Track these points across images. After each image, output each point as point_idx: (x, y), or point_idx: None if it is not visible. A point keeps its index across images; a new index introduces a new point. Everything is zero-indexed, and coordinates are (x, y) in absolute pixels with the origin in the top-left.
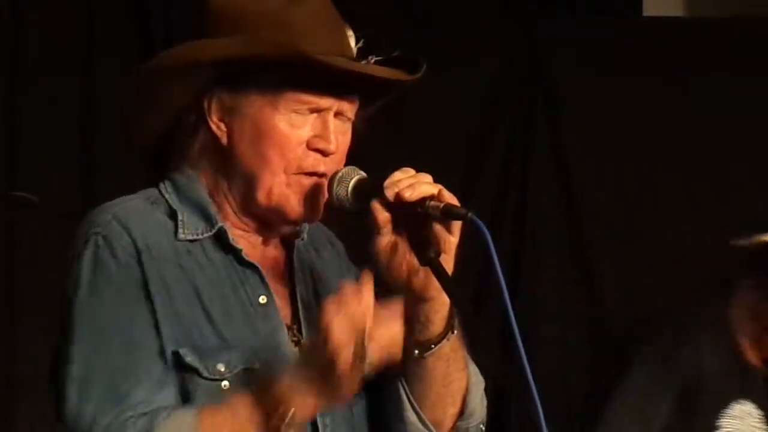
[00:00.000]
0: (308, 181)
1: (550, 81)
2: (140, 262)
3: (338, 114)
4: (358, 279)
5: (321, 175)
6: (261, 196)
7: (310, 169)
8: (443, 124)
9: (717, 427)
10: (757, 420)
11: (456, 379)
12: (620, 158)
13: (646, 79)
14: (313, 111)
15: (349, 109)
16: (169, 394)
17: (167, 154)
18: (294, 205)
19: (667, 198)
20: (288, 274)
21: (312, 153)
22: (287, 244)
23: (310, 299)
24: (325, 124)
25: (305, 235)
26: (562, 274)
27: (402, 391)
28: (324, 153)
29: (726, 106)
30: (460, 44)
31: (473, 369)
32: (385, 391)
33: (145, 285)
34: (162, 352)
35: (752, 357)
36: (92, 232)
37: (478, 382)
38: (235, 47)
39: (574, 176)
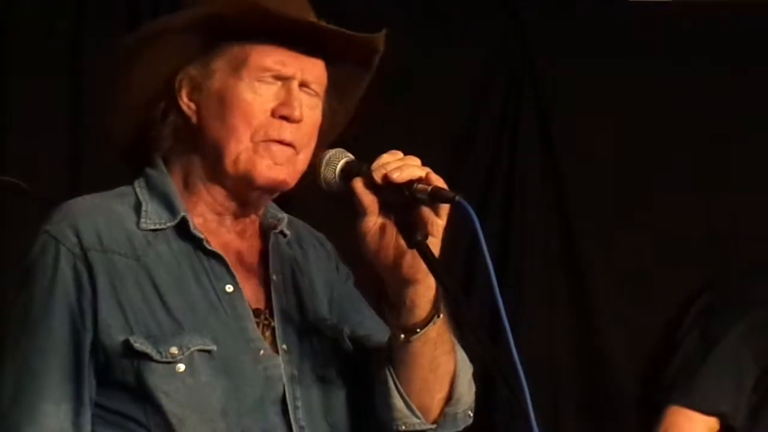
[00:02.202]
0: (277, 148)
1: (537, 67)
2: (86, 260)
3: (303, 86)
4: (348, 278)
5: (288, 144)
6: (228, 164)
7: (276, 137)
8: (431, 111)
9: None
10: None
11: (443, 363)
12: (608, 144)
13: (634, 64)
14: (276, 78)
15: (314, 80)
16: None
17: (142, 152)
18: (261, 169)
19: (654, 186)
20: (264, 261)
21: (277, 120)
22: (266, 233)
23: (286, 288)
24: (289, 92)
25: (285, 230)
26: (549, 259)
27: (389, 377)
28: (289, 119)
29: (715, 93)
30: (448, 32)
31: (461, 354)
32: (372, 377)
33: (91, 282)
34: (79, 360)
35: None
36: (44, 230)
37: (465, 367)
38: (193, 13)
39: (562, 162)
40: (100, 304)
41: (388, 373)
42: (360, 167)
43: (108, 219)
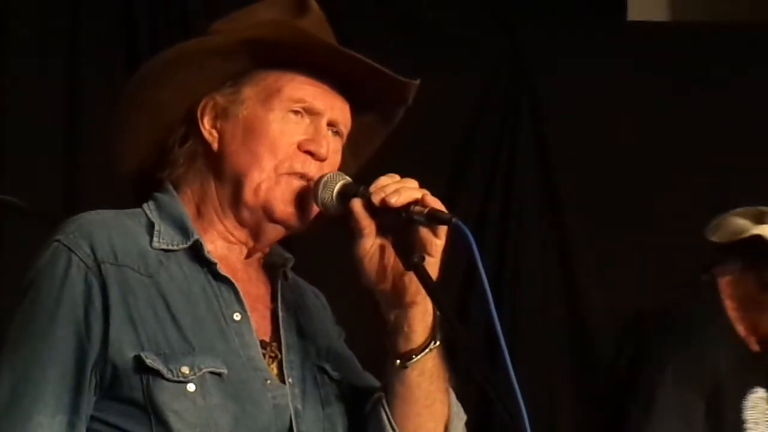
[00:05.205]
0: (298, 183)
1: (535, 86)
2: (99, 273)
3: (331, 125)
4: (340, 335)
5: (310, 180)
6: (248, 194)
7: (300, 170)
8: (429, 130)
9: (743, 421)
10: (763, 399)
11: (438, 401)
12: (605, 162)
13: (631, 83)
14: (307, 112)
15: (341, 120)
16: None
17: (151, 177)
18: (281, 202)
19: (650, 200)
20: (271, 295)
21: (303, 154)
22: (273, 270)
23: (291, 325)
24: (317, 130)
25: (289, 272)
26: (545, 280)
27: (384, 416)
28: (315, 156)
29: (709, 109)
30: (445, 51)
31: (455, 400)
32: (366, 416)
33: (103, 296)
34: (80, 373)
35: (752, 343)
36: (54, 239)
37: (459, 413)
38: (242, 32)
39: (559, 181)
40: (111, 319)
41: (383, 412)
42: (357, 189)
43: (122, 233)
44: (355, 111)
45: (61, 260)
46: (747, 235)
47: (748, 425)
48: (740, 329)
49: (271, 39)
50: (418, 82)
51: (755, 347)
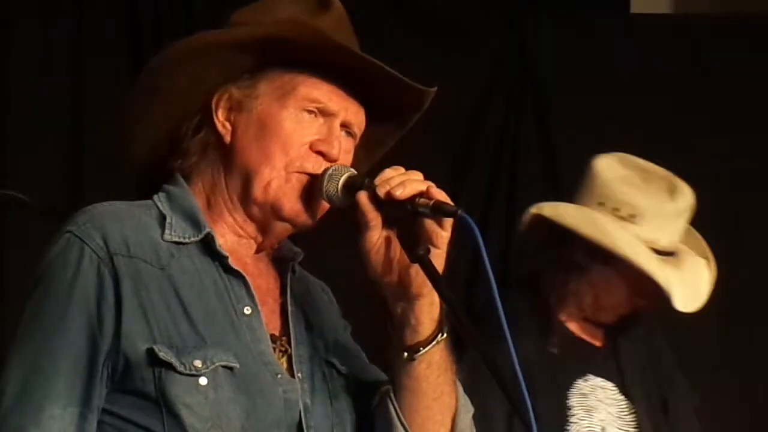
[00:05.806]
0: (307, 180)
1: (538, 79)
2: (112, 265)
3: (345, 126)
4: (346, 328)
5: None
6: (258, 191)
7: (311, 170)
8: (431, 127)
9: (569, 407)
10: (613, 391)
11: (445, 393)
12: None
13: (635, 76)
14: (321, 112)
15: (355, 122)
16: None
17: (161, 167)
18: (290, 199)
19: None
20: (280, 289)
21: (314, 155)
22: (282, 264)
23: (300, 320)
24: (330, 130)
25: (297, 267)
26: None
27: (391, 409)
28: (326, 156)
29: (713, 104)
30: (449, 45)
31: (462, 392)
32: (374, 410)
33: (115, 288)
34: (92, 365)
35: (582, 334)
36: (66, 230)
37: (467, 405)
38: (262, 29)
39: (563, 176)
40: (124, 311)
41: (390, 405)
42: (362, 182)
43: (134, 225)
44: (370, 113)
45: (74, 251)
46: (529, 216)
47: (576, 411)
48: (567, 320)
49: (289, 38)
50: (434, 89)
51: (587, 337)
